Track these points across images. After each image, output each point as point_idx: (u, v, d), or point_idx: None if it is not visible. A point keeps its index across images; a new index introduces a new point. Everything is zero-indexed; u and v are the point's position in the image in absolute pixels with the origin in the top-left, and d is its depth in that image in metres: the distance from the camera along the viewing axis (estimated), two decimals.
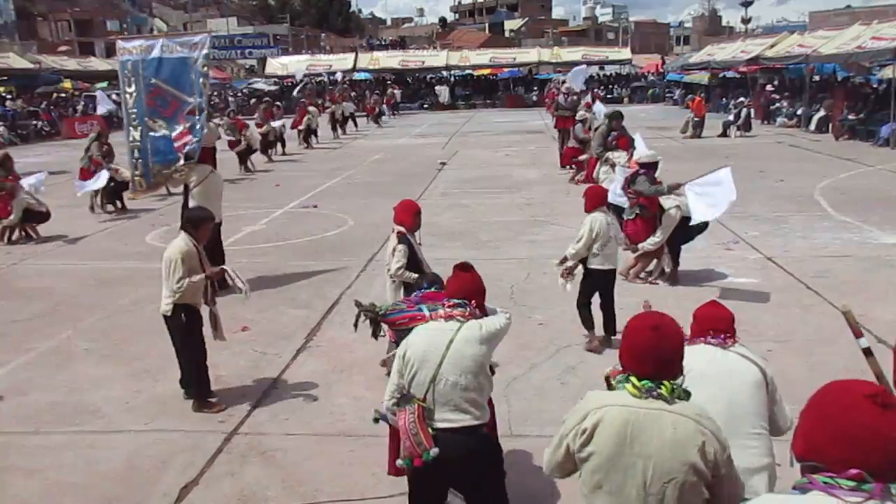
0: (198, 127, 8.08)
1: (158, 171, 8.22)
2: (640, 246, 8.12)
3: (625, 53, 47.65)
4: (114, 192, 13.49)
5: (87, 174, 13.38)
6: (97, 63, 47.89)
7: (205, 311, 5.50)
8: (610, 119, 12.15)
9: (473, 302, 3.37)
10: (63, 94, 37.43)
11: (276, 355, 6.36)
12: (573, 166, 15.35)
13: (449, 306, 3.33)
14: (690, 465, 2.22)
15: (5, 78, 36.85)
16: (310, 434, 5.03)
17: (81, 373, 6.18)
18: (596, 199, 6.28)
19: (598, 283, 6.18)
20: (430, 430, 3.13)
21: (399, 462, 3.30)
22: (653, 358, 2.29)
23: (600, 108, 15.03)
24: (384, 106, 34.46)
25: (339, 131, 27.70)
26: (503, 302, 3.06)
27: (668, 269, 8.10)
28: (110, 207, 13.51)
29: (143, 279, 8.95)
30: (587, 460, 2.33)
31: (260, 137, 19.44)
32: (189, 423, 5.22)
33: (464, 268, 3.48)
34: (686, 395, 2.32)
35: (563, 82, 22.69)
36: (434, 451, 3.08)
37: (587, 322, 6.20)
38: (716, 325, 3.08)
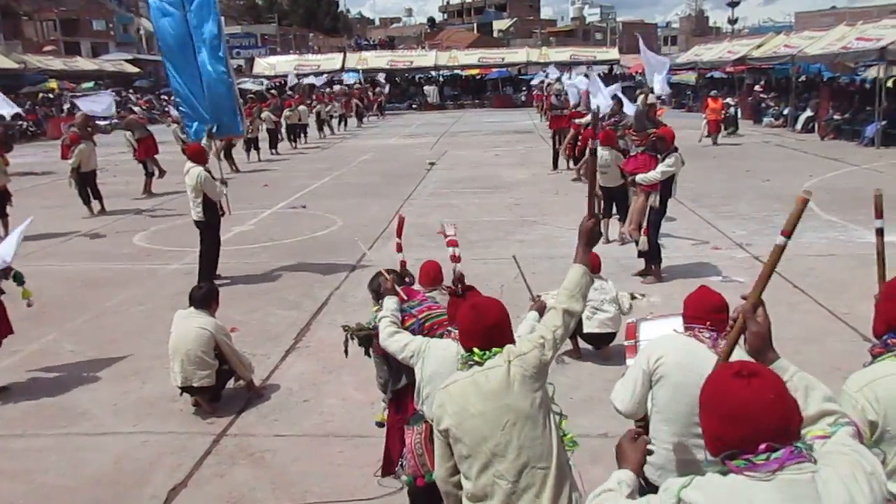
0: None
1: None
2: (638, 178, 8.09)
3: (612, 53, 47.88)
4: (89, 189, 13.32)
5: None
6: (83, 63, 47.59)
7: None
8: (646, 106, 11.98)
9: None
10: (49, 95, 37.11)
11: (265, 356, 6.34)
12: (576, 161, 15.29)
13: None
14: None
15: None
16: (299, 435, 5.01)
17: (68, 375, 6.12)
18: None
19: (591, 344, 6.16)
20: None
21: (402, 478, 3.33)
22: None
23: (630, 107, 14.81)
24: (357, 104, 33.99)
25: (327, 131, 27.68)
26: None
27: (632, 240, 8.23)
28: (94, 207, 13.35)
29: (129, 280, 8.90)
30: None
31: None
32: (177, 425, 5.19)
33: (457, 293, 3.50)
34: None
35: (549, 84, 22.68)
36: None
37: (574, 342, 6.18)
38: (706, 312, 3.11)
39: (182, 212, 13.18)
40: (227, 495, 4.31)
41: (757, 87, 29.13)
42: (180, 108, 9.06)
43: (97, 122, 16.35)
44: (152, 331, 6.71)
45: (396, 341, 3.49)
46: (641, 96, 13.17)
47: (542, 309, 3.80)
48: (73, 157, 12.92)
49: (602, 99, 14.05)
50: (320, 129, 27.18)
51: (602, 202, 10.21)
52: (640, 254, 8.31)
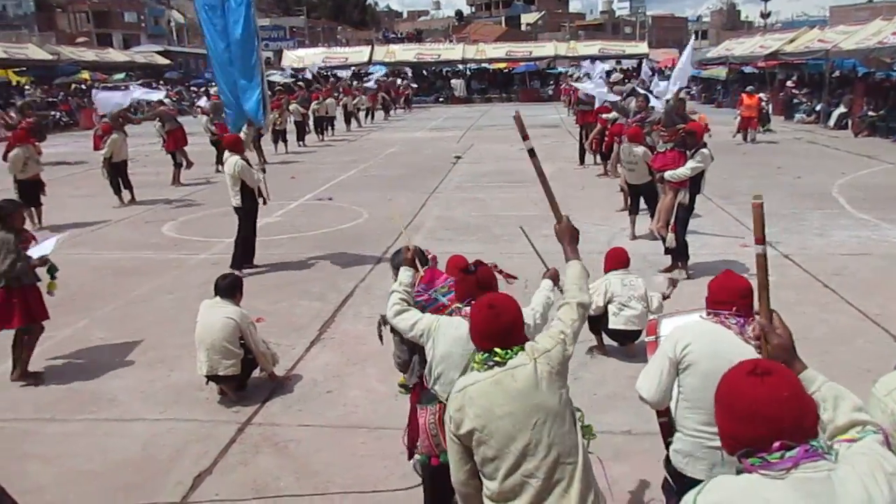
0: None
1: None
2: (667, 175, 8.02)
3: (642, 48, 47.38)
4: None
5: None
6: (115, 54, 48.23)
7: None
8: (675, 102, 11.87)
9: None
10: (82, 86, 37.69)
11: (290, 347, 6.39)
12: (602, 157, 15.19)
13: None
14: None
15: (24, 69, 37.15)
16: (322, 426, 5.05)
17: (97, 361, 6.23)
18: (612, 261, 6.22)
19: (616, 340, 6.13)
20: None
21: (416, 458, 3.31)
22: None
23: (657, 103, 14.67)
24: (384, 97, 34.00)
25: (354, 124, 27.78)
26: (517, 296, 3.02)
27: (663, 237, 8.17)
28: (124, 197, 13.53)
29: (158, 270, 9.02)
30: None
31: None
32: (203, 413, 5.26)
33: (468, 270, 3.38)
34: None
35: (578, 79, 22.48)
36: None
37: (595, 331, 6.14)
38: (732, 297, 3.03)
39: (210, 202, 13.35)
40: (252, 483, 4.36)
41: (789, 83, 28.64)
42: (221, 96, 9.28)
43: (128, 112, 16.53)
44: (179, 320, 6.79)
45: (405, 319, 3.42)
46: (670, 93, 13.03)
47: (555, 277, 3.77)
48: (105, 147, 13.11)
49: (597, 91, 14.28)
50: (347, 121, 27.28)
51: (630, 199, 10.15)
52: (668, 250, 8.23)
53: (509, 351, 2.53)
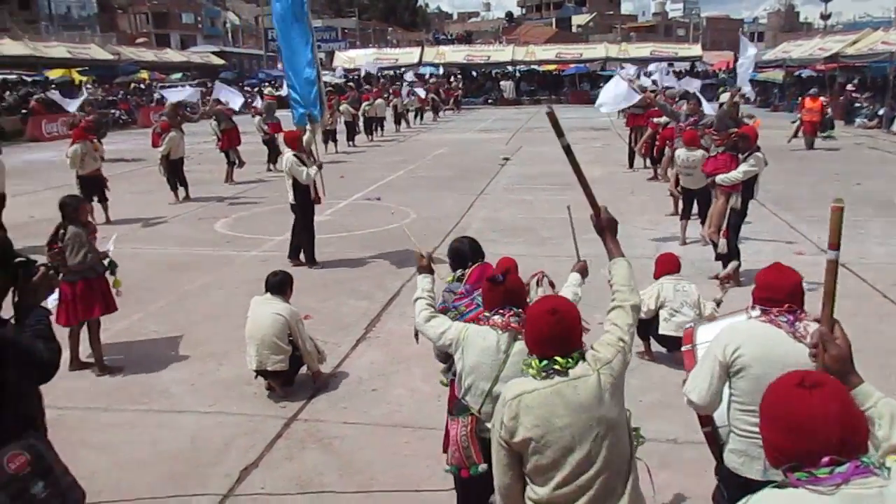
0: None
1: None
2: (719, 178, 7.87)
3: (695, 50, 46.51)
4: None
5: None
6: (172, 54, 49.54)
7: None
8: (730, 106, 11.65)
9: (523, 310, 3.22)
10: (140, 85, 38.80)
11: (336, 345, 6.46)
12: (652, 161, 15.00)
13: (508, 315, 3.16)
14: None
15: (86, 68, 38.41)
16: (367, 424, 5.09)
17: (150, 353, 6.41)
18: (664, 266, 6.12)
19: (665, 346, 6.02)
20: (481, 443, 3.10)
21: (446, 468, 3.28)
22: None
23: (709, 107, 14.39)
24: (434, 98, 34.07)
25: (403, 124, 27.95)
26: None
27: (718, 249, 8.01)
28: (179, 194, 13.87)
29: (210, 265, 9.23)
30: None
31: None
32: (250, 408, 5.36)
33: (496, 280, 3.27)
34: None
35: (631, 80, 22.07)
36: (483, 466, 3.06)
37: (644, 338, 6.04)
38: (782, 293, 2.90)
39: (261, 201, 13.60)
40: (297, 478, 4.42)
41: (849, 87, 27.77)
42: (291, 93, 9.55)
43: (185, 111, 16.96)
44: (230, 315, 6.93)
45: (433, 327, 3.37)
46: (726, 95, 12.76)
47: (583, 271, 3.73)
48: (163, 144, 13.49)
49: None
50: (397, 122, 27.47)
51: (682, 204, 9.98)
52: (719, 256, 8.07)
53: (570, 360, 2.45)
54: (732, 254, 7.91)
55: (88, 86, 34.73)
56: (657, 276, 6.06)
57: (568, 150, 2.97)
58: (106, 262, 6.08)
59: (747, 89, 13.44)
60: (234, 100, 18.01)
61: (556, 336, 2.46)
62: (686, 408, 3.20)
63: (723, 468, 3.08)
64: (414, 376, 5.81)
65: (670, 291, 5.88)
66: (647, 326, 5.86)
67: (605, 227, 2.84)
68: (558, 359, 2.44)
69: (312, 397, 5.51)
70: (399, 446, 4.77)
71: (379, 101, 24.94)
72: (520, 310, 3.19)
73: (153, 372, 6.03)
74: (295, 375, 5.62)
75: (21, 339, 2.56)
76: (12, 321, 2.62)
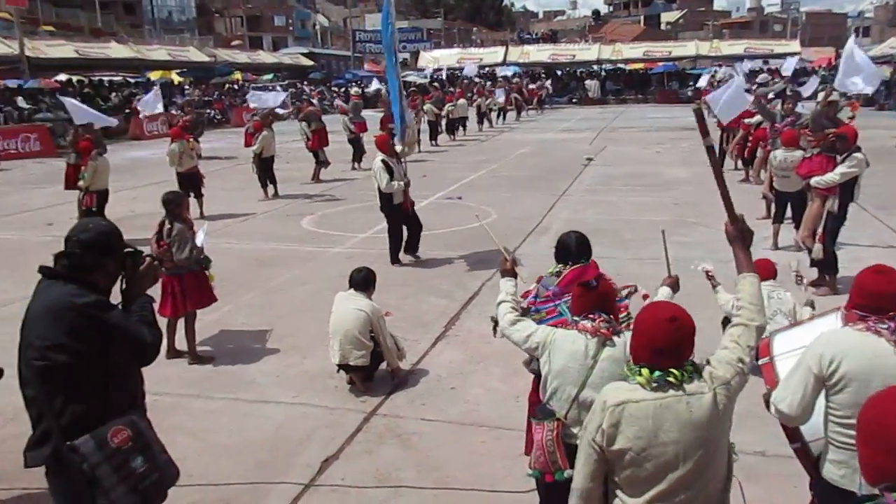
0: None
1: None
2: (813, 181, 7.57)
3: (793, 46, 44.54)
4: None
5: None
6: (264, 56, 51.28)
7: None
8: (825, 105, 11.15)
9: (613, 316, 3.22)
10: (234, 86, 40.33)
11: (416, 342, 6.53)
12: (744, 163, 14.49)
13: (598, 320, 3.13)
14: None
15: (185, 70, 40.26)
16: (444, 421, 5.13)
17: (239, 345, 6.66)
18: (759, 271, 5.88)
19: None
20: (567, 448, 3.05)
21: (529, 472, 3.25)
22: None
23: (802, 109, 13.80)
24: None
25: (486, 124, 27.97)
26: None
27: (814, 256, 7.64)
28: (269, 192, 14.32)
29: (296, 261, 9.50)
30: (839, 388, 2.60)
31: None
32: (332, 401, 5.49)
33: (589, 285, 3.23)
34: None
35: (721, 80, 21.37)
36: (569, 472, 2.99)
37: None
38: (886, 299, 2.65)
39: (346, 199, 13.90)
40: (375, 472, 4.50)
41: None
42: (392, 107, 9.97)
43: (276, 111, 17.49)
44: (314, 309, 7.12)
45: (518, 331, 3.33)
46: (821, 94, 12.16)
47: (674, 285, 3.63)
48: (256, 143, 14.02)
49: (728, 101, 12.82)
50: (480, 121, 27.52)
51: (775, 206, 9.60)
52: (814, 262, 7.71)
53: (684, 373, 2.35)
54: (829, 260, 7.54)
55: (187, 87, 36.44)
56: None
57: (710, 150, 2.86)
58: (202, 257, 6.35)
59: (859, 87, 12.45)
60: (271, 100, 18.37)
61: (673, 346, 2.35)
62: (775, 420, 3.08)
63: (819, 481, 2.88)
64: (492, 376, 5.81)
65: (764, 298, 5.65)
66: None
67: (738, 237, 2.68)
68: (674, 371, 2.33)
69: (392, 393, 5.59)
70: (476, 445, 4.78)
71: (461, 101, 25.05)
72: (609, 315, 3.15)
73: (241, 363, 6.27)
74: (375, 371, 5.72)
75: (129, 323, 2.75)
76: (120, 307, 2.82)
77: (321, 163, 16.40)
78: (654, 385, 2.33)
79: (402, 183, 8.94)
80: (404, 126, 9.46)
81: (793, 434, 2.98)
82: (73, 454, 2.57)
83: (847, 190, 7.52)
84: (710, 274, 5.65)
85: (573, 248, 3.91)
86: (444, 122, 23.96)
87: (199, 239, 6.36)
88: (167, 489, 2.84)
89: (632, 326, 2.53)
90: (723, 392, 2.34)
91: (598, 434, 2.38)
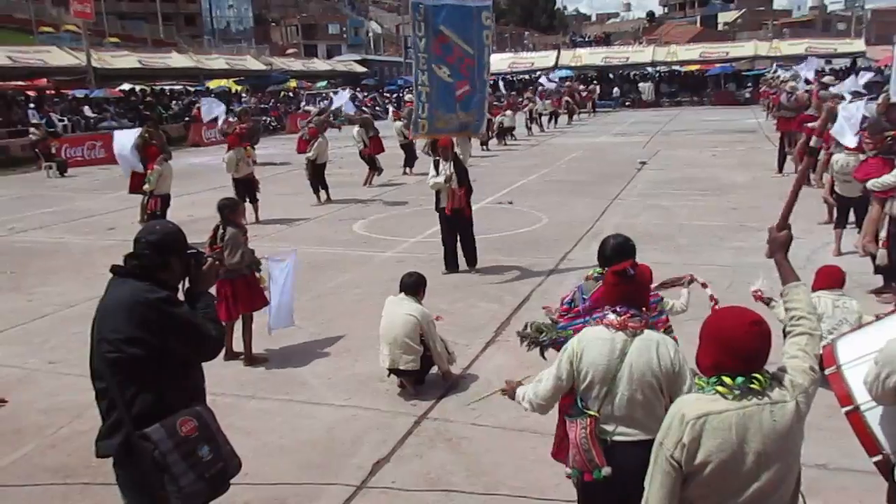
0: (477, 79, 8.42)
1: (440, 117, 8.56)
2: (869, 184, 7.32)
3: (857, 45, 43.09)
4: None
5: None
6: (318, 63, 52.19)
7: None
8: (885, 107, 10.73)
9: (644, 310, 3.13)
10: (289, 93, 41.11)
11: (466, 346, 6.54)
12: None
13: (624, 314, 3.05)
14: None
15: (242, 78, 41.23)
16: (495, 427, 5.11)
17: (292, 347, 6.78)
18: (825, 279, 5.71)
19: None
20: (602, 445, 3.00)
21: (568, 472, 3.19)
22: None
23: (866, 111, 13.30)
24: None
25: (536, 129, 27.84)
26: (703, 311, 2.88)
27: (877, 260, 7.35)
28: (322, 197, 14.53)
29: (348, 265, 9.62)
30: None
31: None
32: (383, 404, 5.53)
33: (625, 276, 3.13)
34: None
35: (784, 81, 20.78)
36: (606, 469, 2.97)
37: None
38: None
39: (398, 203, 14.01)
40: (425, 475, 4.52)
41: None
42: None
43: (330, 119, 17.67)
44: (365, 313, 7.19)
45: (543, 383, 3.19)
46: (883, 95, 11.70)
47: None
48: (311, 150, 14.28)
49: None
50: (528, 127, 27.36)
51: (837, 211, 9.31)
52: (878, 269, 7.42)
53: (766, 379, 2.29)
54: (893, 266, 7.25)
55: (244, 95, 37.30)
56: (815, 289, 5.64)
57: (812, 152, 2.85)
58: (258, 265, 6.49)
59: None
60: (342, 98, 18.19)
61: (759, 350, 2.28)
62: (838, 431, 2.98)
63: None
64: None
65: (829, 307, 5.47)
66: None
67: (781, 244, 2.71)
68: (758, 376, 2.27)
69: (442, 397, 5.60)
70: (526, 451, 4.75)
71: (508, 112, 24.97)
72: (640, 309, 3.08)
73: (294, 365, 6.37)
74: (426, 375, 5.74)
75: (196, 318, 2.92)
76: (186, 305, 2.98)
77: (376, 169, 16.59)
78: (737, 393, 2.26)
79: (439, 181, 8.68)
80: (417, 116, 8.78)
81: (872, 446, 2.86)
82: (145, 442, 2.71)
83: None
84: (759, 295, 5.46)
85: (608, 254, 3.74)
86: (494, 127, 23.95)
87: (283, 268, 6.54)
88: (231, 479, 2.95)
89: (701, 334, 2.42)
90: (803, 400, 2.29)
91: (678, 449, 2.29)
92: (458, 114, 8.57)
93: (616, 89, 43.69)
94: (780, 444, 2.25)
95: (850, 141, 9.56)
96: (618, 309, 3.07)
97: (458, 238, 9.05)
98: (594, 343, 3.06)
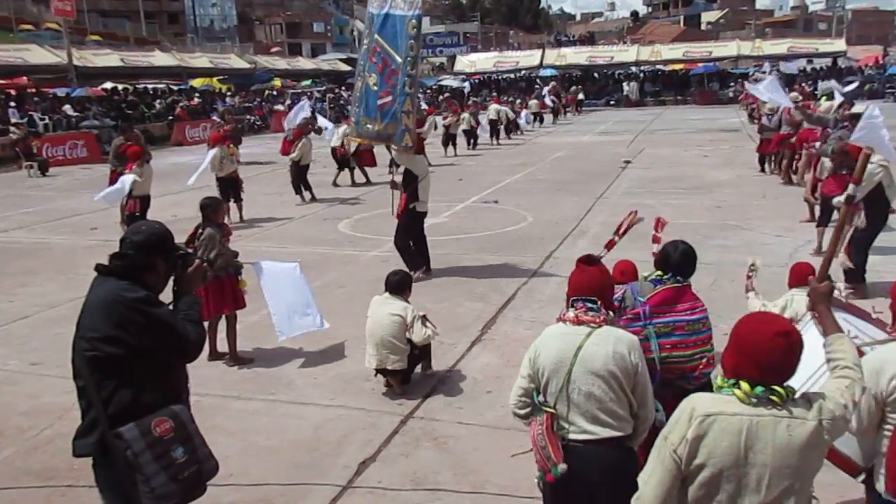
0: (398, 90, 8.16)
1: (366, 122, 8.55)
2: (834, 202, 7.57)
3: (838, 45, 43.55)
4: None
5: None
6: (303, 62, 51.98)
7: None
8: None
9: (601, 303, 3.07)
10: (273, 92, 40.91)
11: (452, 345, 6.54)
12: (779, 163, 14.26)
13: (580, 309, 3.03)
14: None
15: (226, 77, 40.97)
16: (481, 425, 5.12)
17: (278, 347, 6.73)
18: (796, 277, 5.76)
19: None
20: (560, 442, 2.95)
21: (536, 476, 3.14)
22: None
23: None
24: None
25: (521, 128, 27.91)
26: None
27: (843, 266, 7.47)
28: (307, 197, 14.46)
29: (333, 264, 9.59)
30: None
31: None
32: (369, 403, 5.52)
33: (588, 261, 3.16)
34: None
35: (756, 81, 20.89)
36: (562, 466, 2.90)
37: None
38: None
39: (382, 203, 13.94)
40: (412, 474, 4.52)
41: None
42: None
43: (314, 123, 17.38)
44: (351, 312, 7.17)
45: (518, 385, 3.18)
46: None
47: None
48: (295, 151, 14.20)
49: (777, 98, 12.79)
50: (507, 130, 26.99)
51: (820, 210, 9.43)
52: (846, 272, 7.53)
53: (789, 392, 2.20)
54: (858, 271, 7.39)
55: (228, 94, 37.09)
56: (790, 287, 5.71)
57: (850, 199, 2.89)
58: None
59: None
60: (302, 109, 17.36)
61: (783, 363, 2.18)
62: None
63: (879, 498, 2.82)
64: None
65: (803, 305, 5.52)
66: None
67: (828, 297, 2.69)
68: (778, 389, 2.18)
69: (428, 396, 5.60)
70: (513, 449, 4.75)
71: (465, 115, 24.65)
72: (596, 304, 3.03)
73: (279, 365, 6.34)
74: (411, 374, 5.74)
75: (175, 319, 2.89)
76: (170, 306, 2.96)
77: (343, 169, 16.40)
78: (754, 401, 2.19)
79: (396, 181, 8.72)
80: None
81: (852, 466, 2.89)
82: (118, 441, 2.69)
83: (876, 200, 7.39)
84: (751, 272, 5.50)
85: (672, 262, 3.73)
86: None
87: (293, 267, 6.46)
88: (206, 481, 2.93)
89: (732, 336, 2.33)
90: (829, 426, 2.18)
91: (682, 445, 2.23)
92: (379, 122, 8.46)
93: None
94: (788, 461, 2.16)
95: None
96: (577, 304, 3.07)
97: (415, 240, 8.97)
98: (550, 339, 3.07)
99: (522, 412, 3.17)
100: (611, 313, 3.11)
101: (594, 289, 3.08)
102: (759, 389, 2.18)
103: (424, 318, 5.70)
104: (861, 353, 2.66)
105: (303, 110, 16.97)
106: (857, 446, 2.81)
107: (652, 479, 2.30)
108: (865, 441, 2.73)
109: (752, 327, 2.25)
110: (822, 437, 2.18)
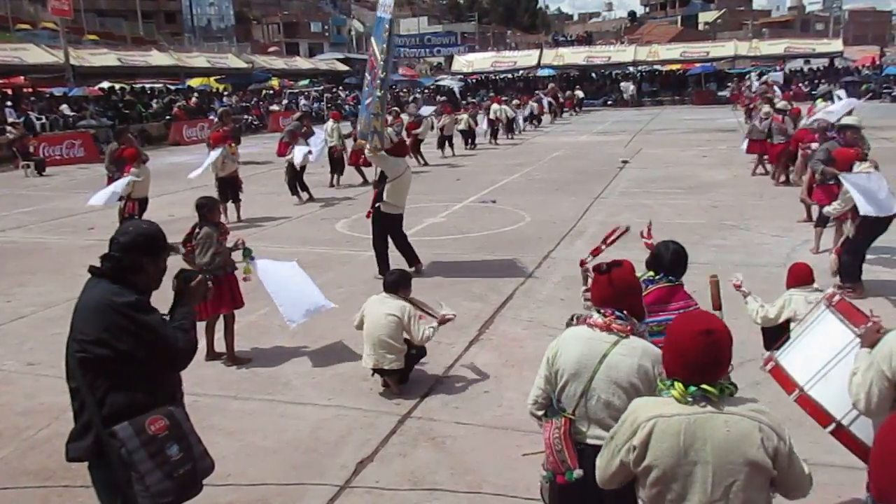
0: (366, 90, 8.44)
1: (360, 121, 8.89)
2: (825, 210, 7.88)
3: (835, 45, 43.60)
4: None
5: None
6: (301, 62, 51.90)
7: None
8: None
9: (626, 312, 3.01)
10: (270, 91, 40.86)
11: (450, 345, 6.54)
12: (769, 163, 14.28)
13: (608, 315, 2.98)
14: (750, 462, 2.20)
15: (223, 76, 40.90)
16: (478, 425, 5.12)
17: (275, 347, 6.74)
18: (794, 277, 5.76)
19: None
20: (576, 447, 2.94)
21: (542, 475, 3.14)
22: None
23: (847, 103, 13.23)
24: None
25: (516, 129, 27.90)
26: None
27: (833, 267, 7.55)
28: (304, 197, 14.45)
29: (331, 264, 9.58)
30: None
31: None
32: (367, 403, 5.52)
33: (600, 270, 3.07)
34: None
35: (750, 86, 20.89)
36: (578, 472, 2.90)
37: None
38: None
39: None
40: (409, 474, 4.51)
41: None
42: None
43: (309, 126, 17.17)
44: (349, 312, 7.12)
45: (536, 385, 3.16)
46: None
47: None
48: (291, 152, 14.17)
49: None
50: (508, 130, 27.01)
51: (818, 210, 9.47)
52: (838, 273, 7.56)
53: (724, 389, 2.24)
54: (850, 271, 7.42)
55: (226, 94, 37.05)
56: (788, 287, 5.71)
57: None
58: (241, 250, 6.35)
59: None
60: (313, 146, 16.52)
61: (707, 360, 2.22)
62: (818, 427, 3.02)
63: None
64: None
65: (801, 304, 5.52)
66: (774, 339, 5.54)
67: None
68: (708, 388, 2.22)
69: (426, 396, 5.60)
70: (510, 449, 4.75)
71: (463, 116, 24.69)
72: (623, 313, 2.98)
73: (276, 364, 6.33)
74: (409, 373, 5.73)
75: (164, 327, 2.86)
76: (165, 317, 2.95)
77: (338, 170, 16.36)
78: (689, 400, 2.23)
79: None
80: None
81: (823, 416, 2.97)
82: (112, 439, 2.69)
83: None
84: (737, 284, 5.50)
85: (665, 262, 3.74)
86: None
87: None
88: (202, 479, 2.92)
89: (665, 336, 2.43)
90: (766, 434, 2.23)
91: (626, 450, 2.32)
92: (364, 121, 8.70)
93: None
94: (731, 457, 2.18)
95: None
96: (604, 310, 3.01)
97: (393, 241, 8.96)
98: (571, 342, 3.02)
99: (539, 413, 3.16)
100: (635, 321, 3.04)
101: (618, 299, 3.02)
102: (692, 389, 2.22)
103: (422, 307, 5.65)
104: None
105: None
106: (872, 432, 2.80)
107: (606, 469, 2.46)
108: (880, 423, 2.73)
109: (679, 327, 2.32)
110: (758, 439, 2.19)
